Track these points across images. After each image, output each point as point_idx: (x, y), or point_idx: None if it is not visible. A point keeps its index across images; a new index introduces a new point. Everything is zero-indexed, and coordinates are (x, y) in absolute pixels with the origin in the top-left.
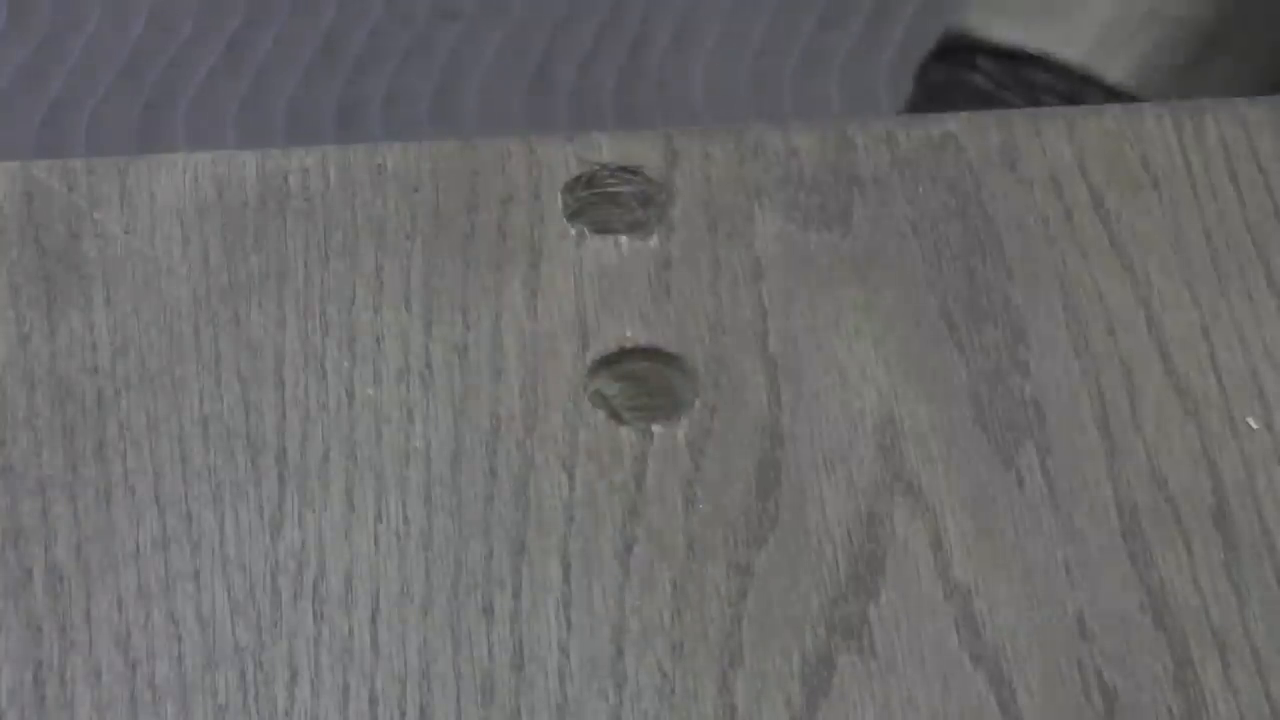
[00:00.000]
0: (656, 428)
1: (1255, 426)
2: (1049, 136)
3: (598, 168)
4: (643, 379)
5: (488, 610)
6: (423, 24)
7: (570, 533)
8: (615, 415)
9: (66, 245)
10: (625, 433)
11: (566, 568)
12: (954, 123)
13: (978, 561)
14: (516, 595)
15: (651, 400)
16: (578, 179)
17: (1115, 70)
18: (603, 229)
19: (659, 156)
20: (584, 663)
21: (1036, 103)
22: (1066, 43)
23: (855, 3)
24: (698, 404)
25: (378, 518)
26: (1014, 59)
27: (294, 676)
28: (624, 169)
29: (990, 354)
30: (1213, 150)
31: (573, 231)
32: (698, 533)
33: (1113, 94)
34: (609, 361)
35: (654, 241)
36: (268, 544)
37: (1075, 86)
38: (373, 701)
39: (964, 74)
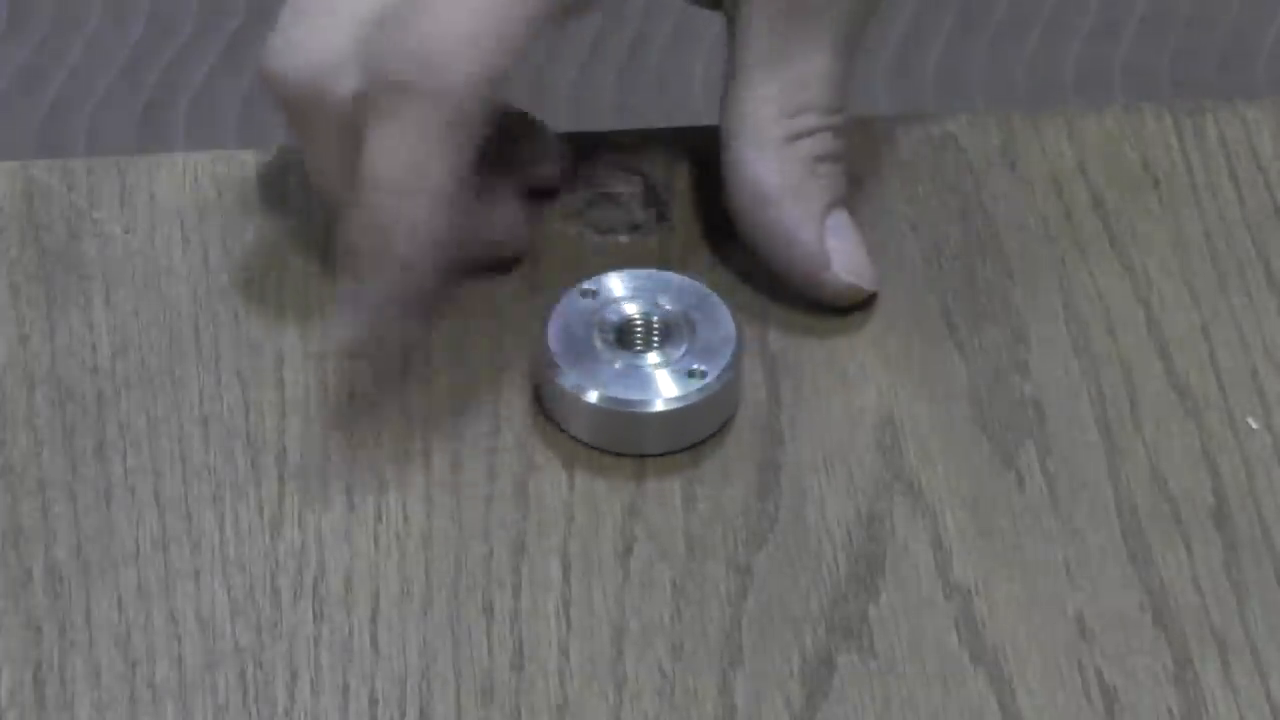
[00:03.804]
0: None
1: (1255, 426)
2: (1049, 136)
3: (598, 168)
4: None
5: (488, 610)
6: None
7: (570, 533)
8: None
9: (66, 245)
10: None
11: (566, 568)
12: (954, 123)
13: (978, 561)
14: (516, 595)
15: None
16: (578, 179)
17: None
18: (603, 229)
19: (659, 157)
20: (584, 663)
21: None
22: None
23: None
24: None
25: (377, 518)
26: None
27: (294, 676)
28: (624, 169)
29: (990, 354)
30: (1213, 150)
31: (573, 231)
32: (698, 533)
33: None
34: None
35: (654, 241)
36: (268, 544)
37: None
38: (373, 701)
39: None
